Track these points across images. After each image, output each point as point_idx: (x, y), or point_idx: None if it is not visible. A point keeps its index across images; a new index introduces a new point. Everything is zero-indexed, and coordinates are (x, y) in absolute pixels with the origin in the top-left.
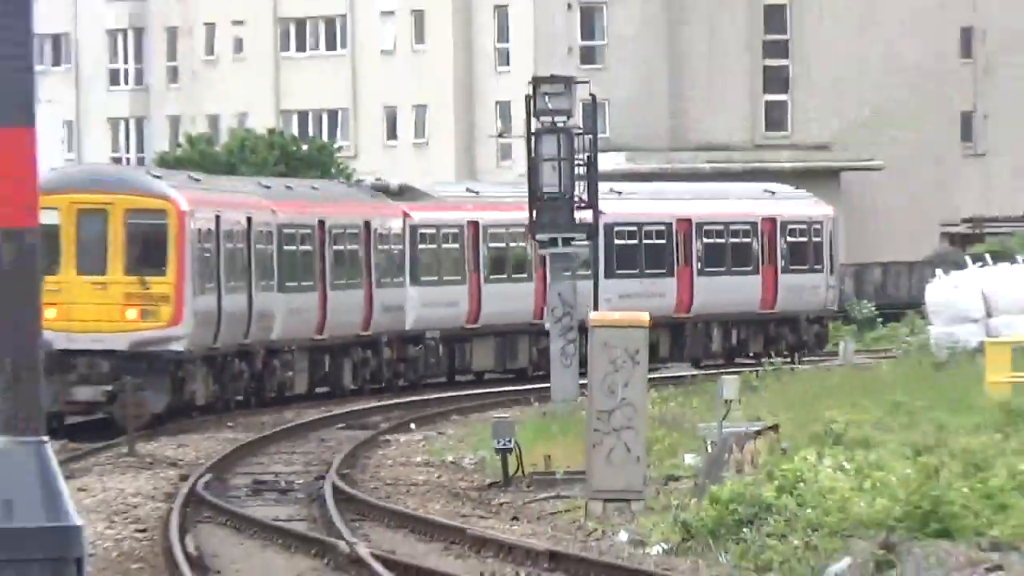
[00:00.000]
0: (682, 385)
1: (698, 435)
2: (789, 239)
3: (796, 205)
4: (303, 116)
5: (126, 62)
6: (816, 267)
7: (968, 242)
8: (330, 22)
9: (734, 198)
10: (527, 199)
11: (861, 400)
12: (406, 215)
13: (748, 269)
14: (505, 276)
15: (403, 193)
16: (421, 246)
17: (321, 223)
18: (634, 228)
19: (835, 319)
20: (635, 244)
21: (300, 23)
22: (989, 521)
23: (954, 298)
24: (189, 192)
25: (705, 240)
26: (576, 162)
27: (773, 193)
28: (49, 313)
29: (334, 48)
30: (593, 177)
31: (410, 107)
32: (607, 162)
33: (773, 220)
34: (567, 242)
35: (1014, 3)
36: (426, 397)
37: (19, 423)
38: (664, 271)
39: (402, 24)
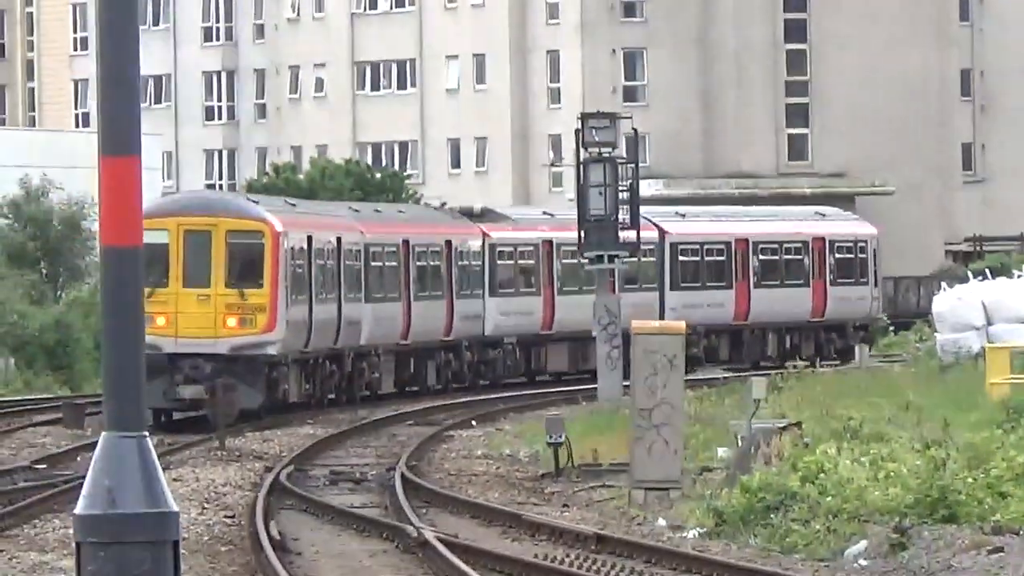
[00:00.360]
0: (715, 386)
1: (729, 431)
2: (837, 255)
3: (844, 225)
4: (376, 148)
5: (219, 100)
6: (862, 280)
7: (970, 259)
8: (401, 64)
9: (787, 219)
10: None
11: (875, 399)
12: (485, 235)
13: (800, 282)
14: (576, 288)
15: (484, 215)
16: (499, 262)
17: (405, 242)
18: (697, 246)
19: (878, 324)
20: (697, 260)
21: (375, 65)
22: (991, 508)
23: (958, 308)
24: (283, 215)
25: (761, 256)
26: (619, 188)
27: (824, 215)
28: (159, 321)
29: (404, 87)
30: (635, 202)
31: (472, 139)
32: (647, 189)
33: (823, 239)
34: (612, 259)
35: (1007, 49)
36: (485, 397)
37: (123, 420)
38: (724, 284)
39: (465, 66)
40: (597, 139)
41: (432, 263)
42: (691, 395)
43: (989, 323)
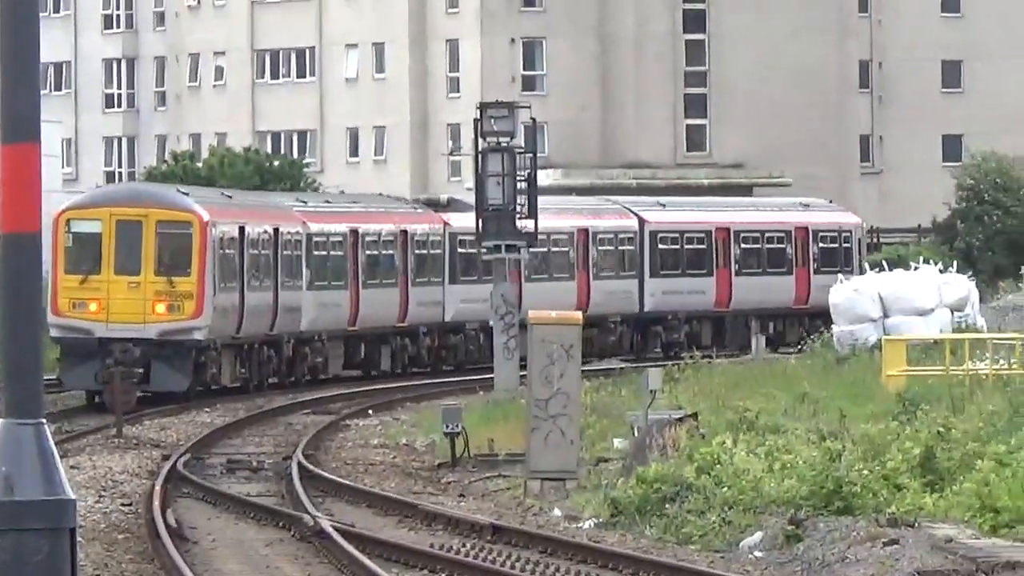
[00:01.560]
0: (612, 376)
1: (626, 421)
2: (821, 244)
3: (828, 216)
4: (276, 136)
5: (120, 87)
6: (846, 268)
7: (867, 251)
8: (300, 53)
9: (770, 209)
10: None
11: (772, 391)
12: (446, 223)
13: (783, 270)
14: (547, 276)
15: (449, 205)
16: (460, 250)
17: (354, 231)
18: (676, 235)
19: None
20: (677, 248)
21: (274, 53)
22: (886, 500)
23: (855, 300)
24: (213, 206)
25: (743, 245)
26: (518, 178)
27: (807, 205)
28: (92, 307)
29: (304, 76)
30: (533, 192)
31: (371, 128)
32: (545, 178)
33: (806, 228)
34: (510, 249)
35: (905, 40)
36: (383, 386)
37: (21, 406)
38: (705, 271)
39: (364, 55)
40: (496, 128)
41: (385, 251)
42: (588, 385)
43: (886, 315)
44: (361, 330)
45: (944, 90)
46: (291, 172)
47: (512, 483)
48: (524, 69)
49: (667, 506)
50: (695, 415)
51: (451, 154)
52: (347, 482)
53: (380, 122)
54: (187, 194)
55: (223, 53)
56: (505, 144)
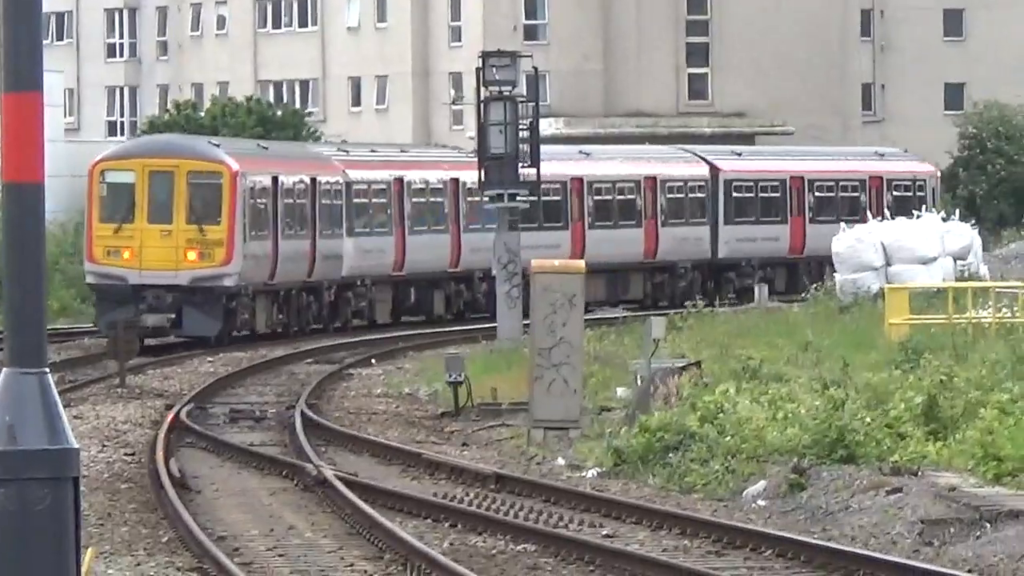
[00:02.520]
0: (615, 325)
1: (629, 371)
2: (895, 193)
3: (902, 164)
4: (278, 85)
5: (121, 37)
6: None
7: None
8: (302, 2)
9: (844, 158)
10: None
11: (775, 340)
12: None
13: (856, 219)
14: (612, 224)
15: None
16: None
17: (398, 179)
18: (751, 183)
19: None
20: (752, 196)
21: (276, 2)
22: (889, 448)
23: (857, 249)
24: (243, 157)
25: (816, 193)
26: (520, 127)
27: (882, 155)
28: (125, 255)
29: (306, 25)
30: (535, 140)
31: (373, 78)
32: (547, 127)
33: (880, 177)
34: (512, 197)
35: None
36: (387, 335)
37: (25, 356)
38: (779, 219)
39: (366, 4)
40: (498, 78)
41: (433, 199)
42: (590, 334)
43: (888, 263)
44: (409, 276)
45: (946, 39)
46: (293, 121)
47: (515, 432)
48: (526, 18)
49: (670, 455)
50: (698, 364)
51: (453, 103)
52: (350, 431)
53: (382, 71)
54: (218, 145)
55: (224, 2)
56: (507, 93)
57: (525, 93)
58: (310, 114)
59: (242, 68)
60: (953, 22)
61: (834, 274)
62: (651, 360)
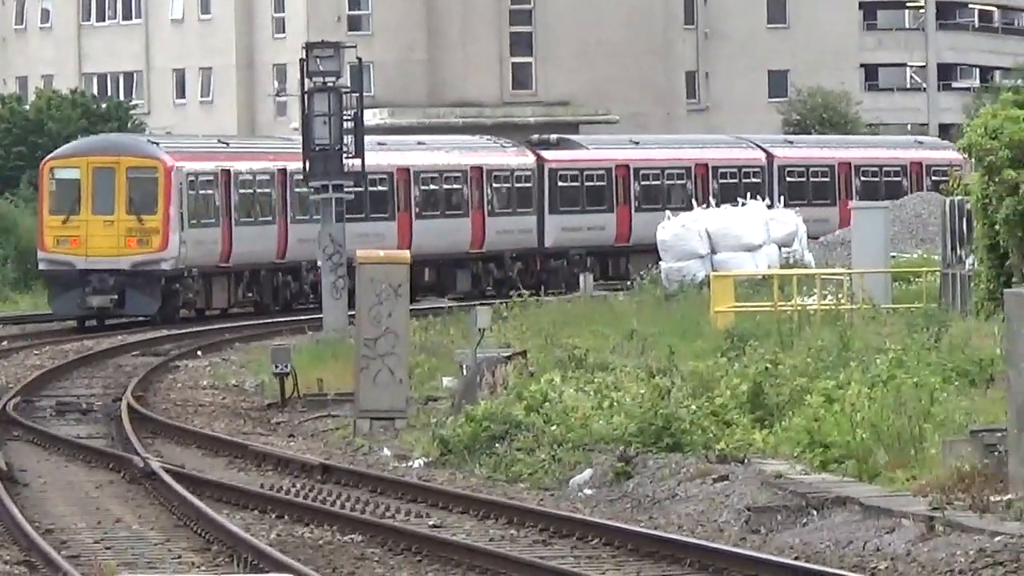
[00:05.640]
0: (441, 315)
1: (455, 360)
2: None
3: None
4: (103, 78)
5: None
6: None
7: None
8: None
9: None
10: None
11: (601, 328)
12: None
13: (683, 207)
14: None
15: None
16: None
17: (225, 171)
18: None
19: None
20: (578, 186)
21: None
22: (715, 436)
23: (683, 236)
24: (181, 153)
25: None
26: (344, 118)
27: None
28: (72, 243)
29: (130, 18)
30: (359, 131)
31: (197, 70)
32: (372, 118)
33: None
34: (337, 188)
35: None
36: (213, 327)
37: None
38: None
39: None
40: (322, 69)
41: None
42: (416, 324)
43: (713, 251)
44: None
45: (770, 26)
46: (118, 114)
47: (341, 423)
48: (349, 9)
49: (496, 444)
50: (524, 353)
51: (277, 95)
52: (177, 423)
53: (206, 63)
54: (157, 144)
55: None
56: (331, 84)
57: (349, 84)
58: (135, 106)
59: (67, 61)
60: (777, 9)
61: (659, 262)
62: (477, 350)
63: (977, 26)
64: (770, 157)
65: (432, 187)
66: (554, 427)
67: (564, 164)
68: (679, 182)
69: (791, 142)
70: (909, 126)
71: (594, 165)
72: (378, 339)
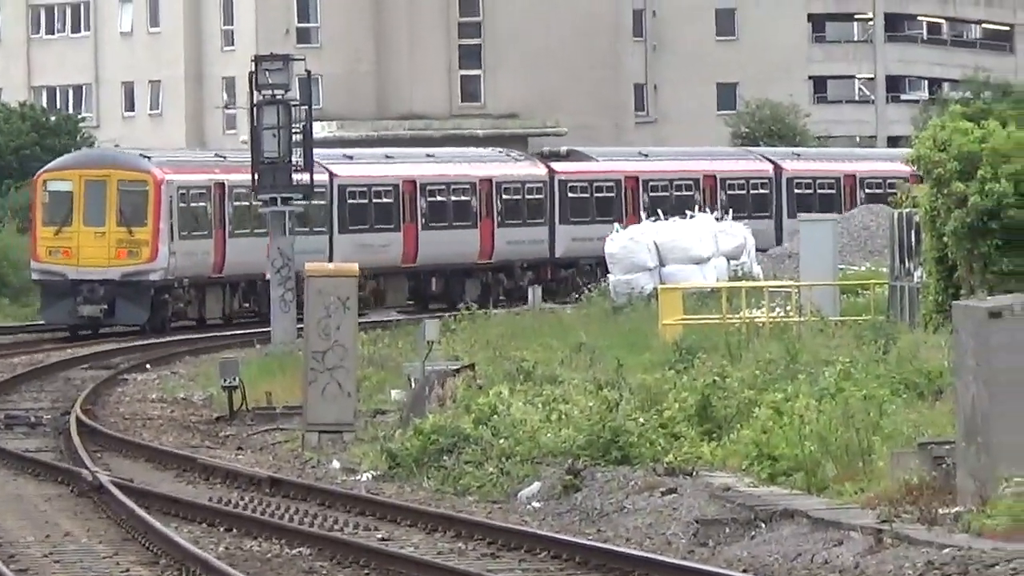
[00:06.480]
0: (389, 328)
1: (403, 373)
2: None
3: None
4: (51, 91)
5: None
6: None
7: None
8: (75, 8)
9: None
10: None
11: (549, 341)
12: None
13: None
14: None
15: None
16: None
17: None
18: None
19: None
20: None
21: (49, 8)
22: (664, 449)
23: (631, 249)
24: (172, 167)
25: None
26: (293, 131)
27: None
28: (64, 254)
29: (79, 30)
30: (308, 144)
31: (146, 82)
32: (320, 130)
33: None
34: (286, 201)
35: None
36: (162, 340)
37: None
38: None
39: (139, 9)
40: (271, 81)
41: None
42: (365, 337)
43: (662, 264)
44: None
45: (719, 38)
46: (68, 127)
47: (290, 436)
48: (299, 21)
49: (445, 457)
50: (472, 366)
51: (226, 107)
52: (125, 436)
53: (155, 76)
54: (149, 157)
55: None
56: (280, 97)
57: (298, 97)
58: (84, 119)
59: (15, 74)
60: (725, 22)
61: (607, 275)
62: (425, 363)
63: (925, 38)
64: (778, 169)
65: (439, 198)
66: (502, 440)
67: (574, 176)
68: (687, 193)
69: (799, 155)
70: (858, 138)
71: (603, 177)
72: (326, 352)
